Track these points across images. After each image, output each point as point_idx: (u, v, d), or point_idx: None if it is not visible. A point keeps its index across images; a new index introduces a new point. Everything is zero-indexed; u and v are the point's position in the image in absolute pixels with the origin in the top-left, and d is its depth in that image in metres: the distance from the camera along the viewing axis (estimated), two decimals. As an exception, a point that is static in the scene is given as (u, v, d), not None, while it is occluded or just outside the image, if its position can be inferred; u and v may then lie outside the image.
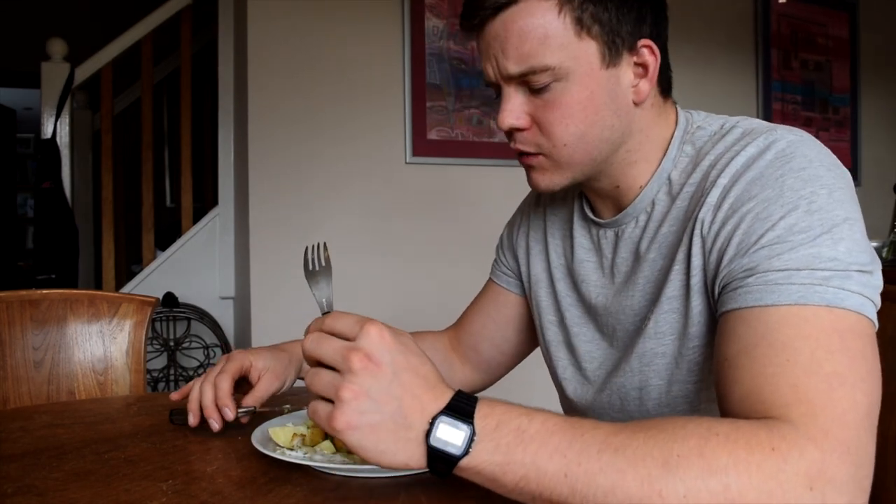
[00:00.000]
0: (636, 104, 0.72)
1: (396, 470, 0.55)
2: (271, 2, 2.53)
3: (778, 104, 3.45)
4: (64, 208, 2.67)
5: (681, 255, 0.69)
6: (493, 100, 0.74)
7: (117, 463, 0.70)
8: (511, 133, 0.73)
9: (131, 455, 0.72)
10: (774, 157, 0.63)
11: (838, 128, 3.66)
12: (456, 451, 0.51)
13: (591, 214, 0.82)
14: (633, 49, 0.69)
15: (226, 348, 2.83)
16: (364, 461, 0.54)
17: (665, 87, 0.75)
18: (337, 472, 0.65)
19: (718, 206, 0.65)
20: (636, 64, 0.70)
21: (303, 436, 0.71)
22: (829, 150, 0.65)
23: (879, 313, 0.87)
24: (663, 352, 0.72)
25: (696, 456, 0.48)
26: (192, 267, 2.84)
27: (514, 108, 0.71)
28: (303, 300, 2.52)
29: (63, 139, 2.71)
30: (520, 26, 0.66)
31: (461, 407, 0.53)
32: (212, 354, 2.85)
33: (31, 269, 3.03)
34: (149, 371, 2.71)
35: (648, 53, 0.70)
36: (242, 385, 0.86)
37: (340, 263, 2.66)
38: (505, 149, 2.86)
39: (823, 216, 0.59)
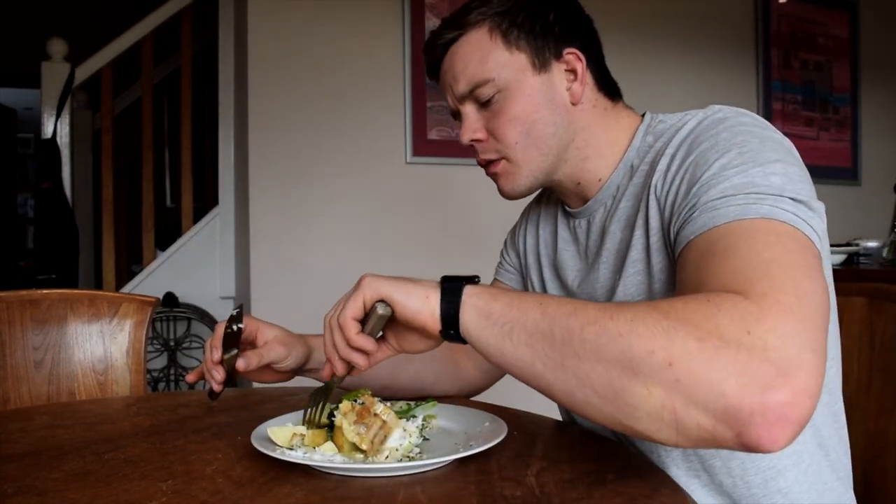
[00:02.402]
0: (574, 104, 0.83)
1: (411, 468, 0.55)
2: (272, 2, 2.53)
3: (778, 104, 3.45)
4: (64, 208, 2.67)
5: (640, 221, 0.77)
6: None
7: (117, 463, 0.70)
8: (473, 148, 0.86)
9: (131, 455, 0.73)
10: (710, 122, 0.72)
11: (838, 128, 3.66)
12: (464, 280, 0.64)
13: (568, 208, 0.91)
14: (560, 57, 0.82)
15: (226, 348, 2.82)
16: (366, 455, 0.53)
17: (609, 91, 0.86)
18: (336, 472, 0.65)
19: (667, 169, 0.73)
20: (567, 70, 0.82)
21: (302, 436, 0.71)
22: (766, 121, 0.73)
23: (878, 313, 0.87)
24: None
25: (643, 303, 0.55)
26: (193, 267, 2.84)
27: (471, 124, 0.84)
28: (302, 300, 2.53)
29: (63, 139, 2.71)
30: (462, 54, 0.82)
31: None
32: (212, 354, 2.85)
33: (32, 268, 3.03)
34: (149, 371, 2.71)
35: (575, 59, 0.82)
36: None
37: (341, 263, 2.67)
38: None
39: (755, 155, 0.65)
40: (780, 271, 0.54)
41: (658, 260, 0.74)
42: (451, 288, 0.64)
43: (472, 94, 0.82)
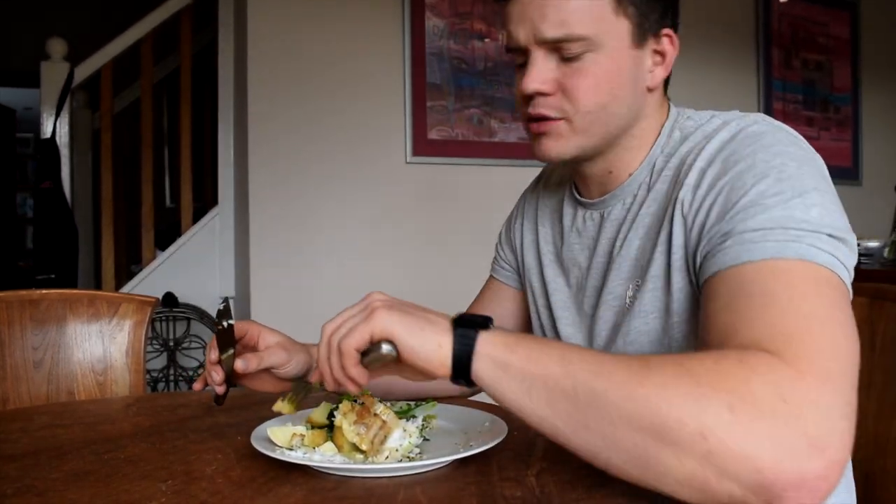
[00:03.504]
0: (649, 90, 0.77)
1: (411, 468, 0.56)
2: (271, 2, 2.53)
3: (779, 103, 3.45)
4: (63, 208, 2.67)
5: (662, 237, 0.72)
6: (518, 66, 0.76)
7: (117, 463, 0.70)
8: (530, 98, 0.75)
9: (131, 455, 0.72)
10: (745, 137, 0.68)
11: (839, 127, 3.66)
12: (478, 325, 0.60)
13: (578, 196, 0.86)
14: (657, 35, 0.75)
15: (226, 348, 2.82)
16: (370, 458, 0.57)
17: (666, 82, 0.80)
18: (336, 472, 0.65)
19: (697, 186, 0.69)
20: (655, 51, 0.76)
21: (302, 436, 0.71)
22: (799, 135, 0.69)
23: (879, 313, 0.87)
24: (647, 329, 0.74)
25: (673, 362, 0.53)
26: (192, 267, 2.84)
27: (542, 73, 0.73)
28: (303, 300, 2.53)
29: (63, 139, 2.71)
30: None
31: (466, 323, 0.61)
32: (212, 354, 2.85)
33: (31, 268, 3.03)
34: (148, 371, 2.71)
35: (668, 42, 0.76)
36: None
37: (340, 263, 2.67)
38: (505, 148, 2.88)
39: (794, 183, 0.62)
40: (818, 328, 0.53)
41: (678, 279, 0.70)
42: (464, 335, 0.59)
43: (556, 44, 0.72)
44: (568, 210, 0.88)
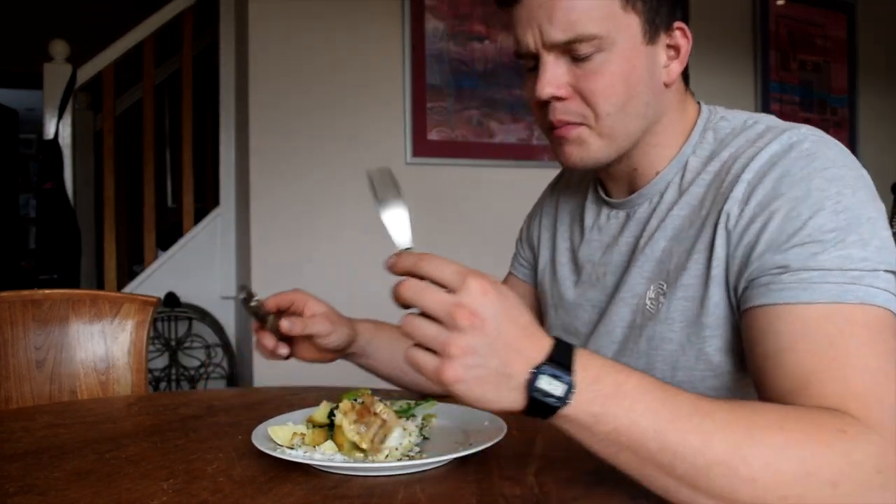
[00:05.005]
0: (667, 86, 0.75)
1: (411, 467, 0.60)
2: (272, 3, 2.54)
3: (776, 105, 3.45)
4: (66, 209, 2.68)
5: (701, 245, 0.70)
6: (528, 71, 0.74)
7: (118, 462, 0.70)
8: (546, 104, 0.73)
9: (132, 454, 0.73)
10: (798, 156, 0.65)
11: (836, 128, 3.66)
12: (555, 403, 0.53)
13: (603, 195, 0.84)
14: (669, 30, 0.74)
15: (227, 348, 2.83)
16: (371, 457, 0.62)
17: (686, 76, 0.79)
18: (337, 471, 0.65)
19: (745, 202, 0.66)
20: (668, 46, 0.74)
21: (303, 435, 0.72)
22: (847, 150, 0.68)
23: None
24: (671, 338, 0.72)
25: (777, 428, 0.51)
26: (194, 267, 2.85)
27: (556, 77, 0.71)
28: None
29: (65, 140, 2.71)
30: None
31: (561, 359, 0.54)
32: (213, 354, 2.86)
33: (34, 269, 3.04)
34: (150, 371, 2.71)
35: (681, 36, 0.74)
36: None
37: (341, 263, 2.68)
38: (504, 149, 2.88)
39: (849, 216, 0.61)
40: (887, 387, 0.55)
41: (716, 293, 0.68)
42: (542, 403, 0.53)
43: (567, 45, 0.69)
44: (591, 208, 0.86)
